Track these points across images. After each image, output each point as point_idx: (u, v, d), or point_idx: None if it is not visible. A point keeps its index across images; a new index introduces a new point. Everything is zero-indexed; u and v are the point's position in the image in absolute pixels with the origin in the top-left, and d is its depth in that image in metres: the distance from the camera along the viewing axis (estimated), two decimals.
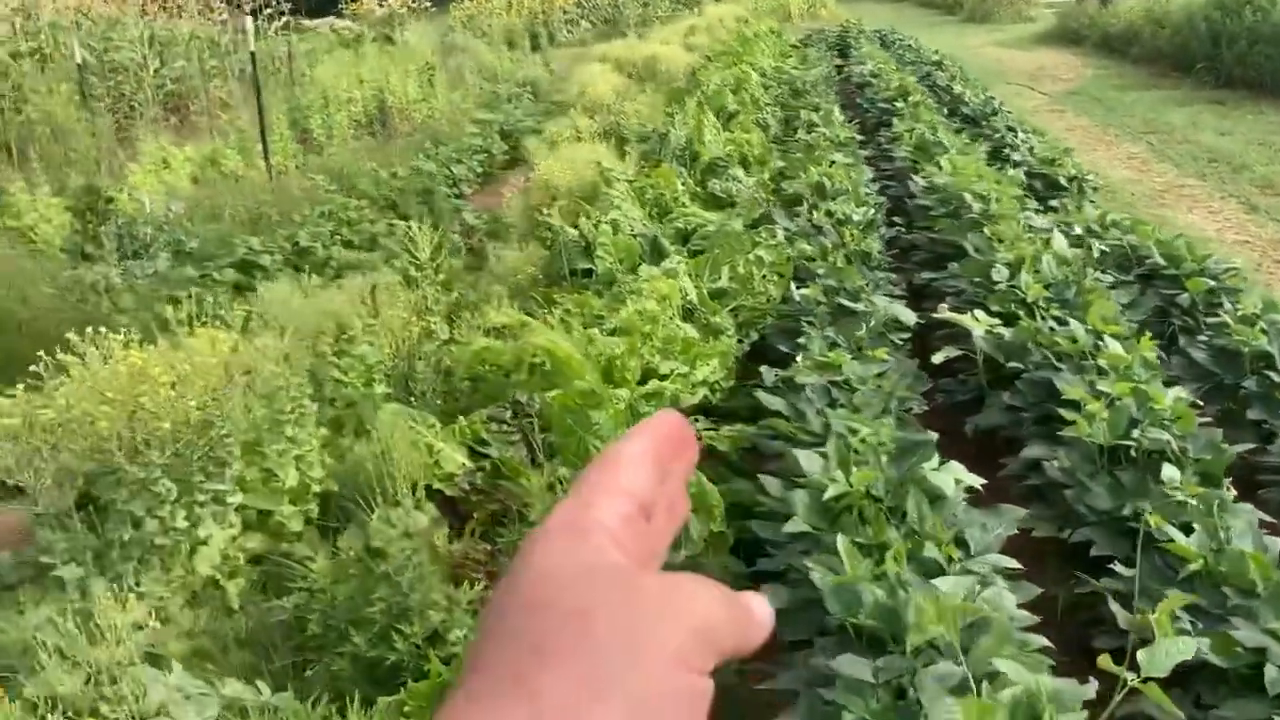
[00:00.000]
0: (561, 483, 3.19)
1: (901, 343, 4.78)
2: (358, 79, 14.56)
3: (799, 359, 4.27)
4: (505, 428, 3.66)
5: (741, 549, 3.58)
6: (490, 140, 12.73)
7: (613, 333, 4.56)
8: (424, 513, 3.04)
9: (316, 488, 3.76)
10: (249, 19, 10.57)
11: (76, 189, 7.72)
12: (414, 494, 3.12)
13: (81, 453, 2.99)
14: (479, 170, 11.88)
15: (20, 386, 3.27)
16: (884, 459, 3.25)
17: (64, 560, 3.04)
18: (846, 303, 4.94)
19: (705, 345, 4.69)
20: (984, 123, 10.48)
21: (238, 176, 10.97)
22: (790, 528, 3.01)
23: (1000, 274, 4.87)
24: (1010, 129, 9.69)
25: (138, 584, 3.14)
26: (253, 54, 10.63)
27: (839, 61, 18.34)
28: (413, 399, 4.72)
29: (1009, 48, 23.79)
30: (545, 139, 9.24)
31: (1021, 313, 4.48)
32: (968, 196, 5.88)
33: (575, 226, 5.40)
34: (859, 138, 9.71)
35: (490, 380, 4.15)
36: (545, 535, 0.49)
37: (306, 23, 20.20)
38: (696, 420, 4.74)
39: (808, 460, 3.19)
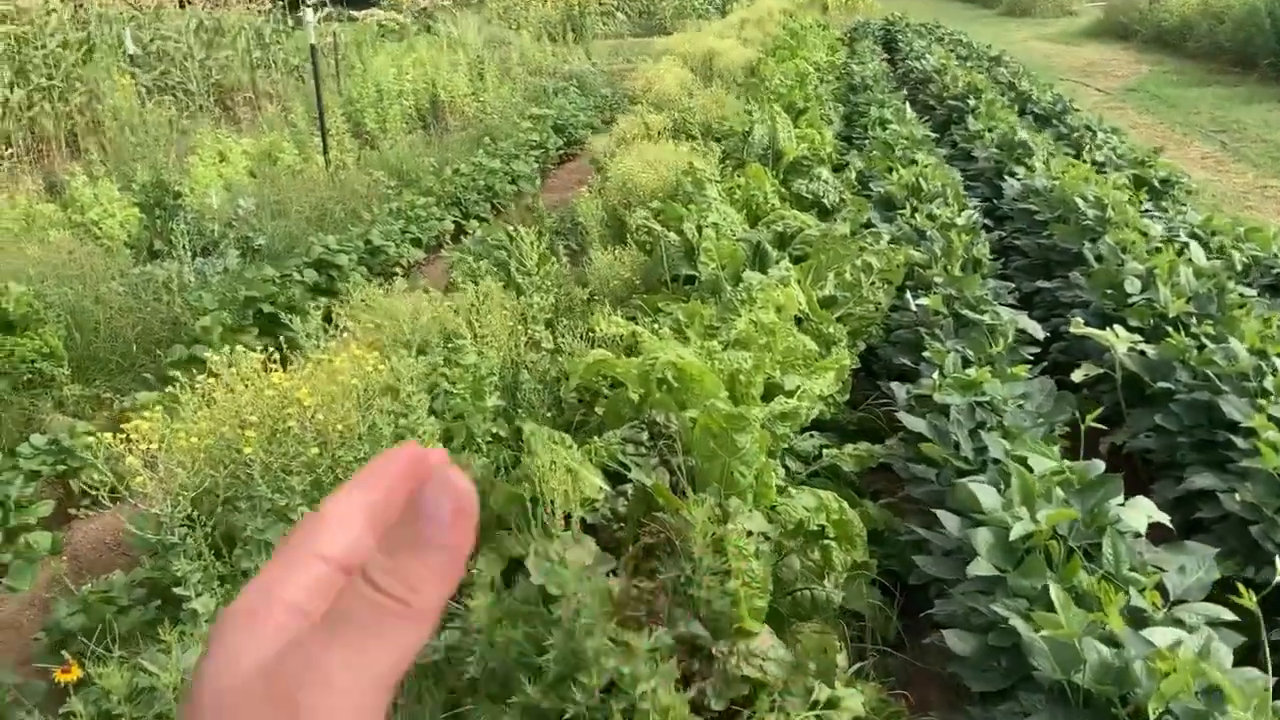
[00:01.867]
0: (724, 513, 2.99)
1: (1032, 358, 4.56)
2: (408, 72, 14.39)
3: (935, 376, 4.05)
4: (642, 450, 3.47)
5: (900, 585, 3.39)
6: (546, 135, 12.55)
7: (729, 345, 4.37)
8: (582, 545, 2.85)
9: None
10: (310, 10, 10.38)
11: (146, 184, 7.57)
12: (567, 523, 2.94)
13: (222, 478, 2.82)
14: (536, 166, 11.70)
15: (154, 405, 3.10)
16: (1060, 493, 3.04)
17: (197, 592, 2.87)
18: (969, 314, 4.72)
19: (827, 358, 4.48)
20: (1056, 121, 10.20)
21: (295, 171, 10.81)
22: (976, 570, 2.80)
23: (1133, 285, 4.63)
24: (1088, 128, 9.42)
25: None
26: (313, 46, 10.45)
27: (885, 56, 18.06)
28: (519, 412, 4.54)
29: (1055, 43, 23.37)
30: (615, 136, 9.02)
31: (1167, 328, 4.25)
32: (1079, 201, 5.64)
33: (675, 229, 5.19)
34: (932, 136, 9.47)
35: (613, 397, 3.95)
36: (227, 622, 0.49)
37: (354, 14, 20.04)
38: (811, 436, 4.54)
39: (985, 495, 2.98)
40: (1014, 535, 2.81)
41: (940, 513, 3.10)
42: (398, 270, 8.33)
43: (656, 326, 4.60)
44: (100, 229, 8.25)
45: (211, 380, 3.06)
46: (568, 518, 3.17)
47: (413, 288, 5.62)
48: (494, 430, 4.32)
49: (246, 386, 2.90)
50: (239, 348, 3.25)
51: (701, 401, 3.68)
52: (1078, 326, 4.38)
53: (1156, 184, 7.46)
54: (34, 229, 8.21)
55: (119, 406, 5.54)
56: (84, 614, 3.41)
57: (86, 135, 11.66)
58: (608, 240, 6.43)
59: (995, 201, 7.44)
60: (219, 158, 10.71)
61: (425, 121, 14.28)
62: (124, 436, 2.75)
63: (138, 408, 5.44)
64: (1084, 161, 7.76)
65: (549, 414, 4.46)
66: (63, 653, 3.08)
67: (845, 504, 3.63)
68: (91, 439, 5.07)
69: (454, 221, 9.35)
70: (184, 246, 7.13)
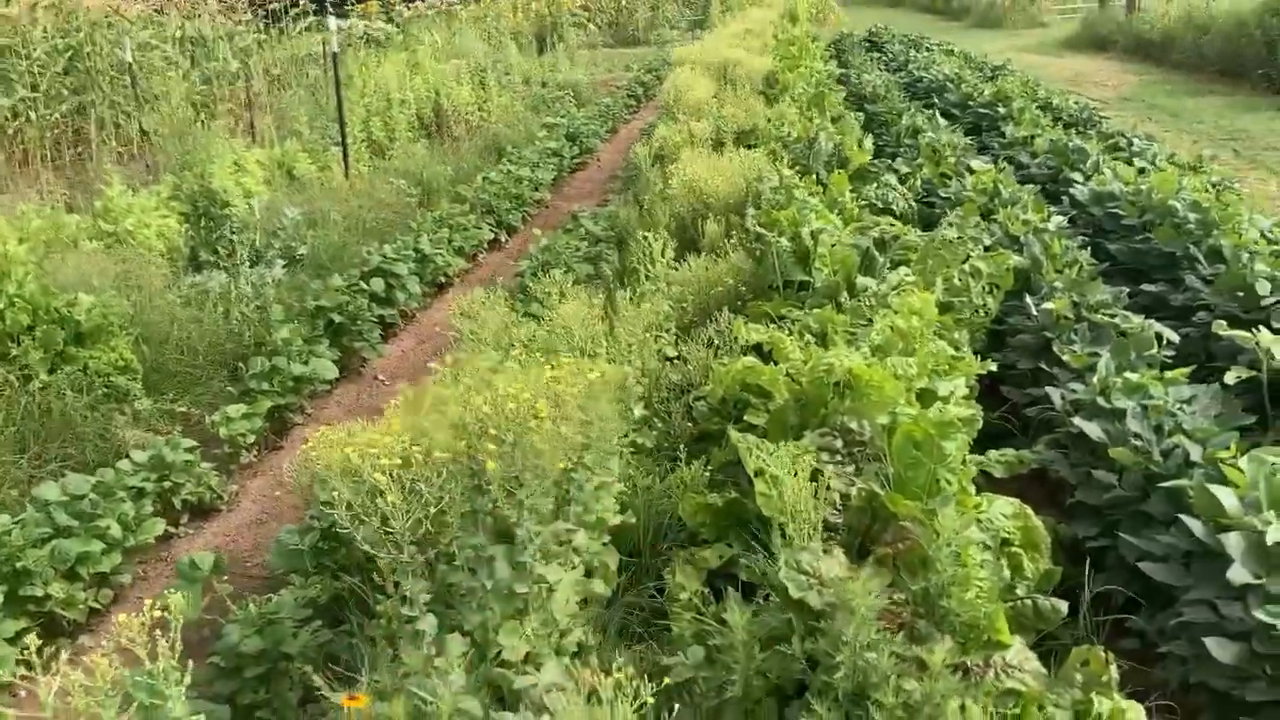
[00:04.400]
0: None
1: (1169, 361, 4.53)
2: (411, 80, 14.21)
3: (1094, 380, 4.00)
4: (838, 457, 3.37)
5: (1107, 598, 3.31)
6: (561, 144, 12.44)
7: (874, 351, 4.28)
8: (832, 556, 2.75)
9: (615, 520, 3.46)
10: (334, 19, 10.19)
11: (194, 193, 7.34)
12: (808, 534, 2.83)
13: (457, 493, 2.67)
14: (553, 174, 11.59)
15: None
16: None
17: (422, 611, 2.73)
18: (1097, 318, 4.68)
19: (963, 363, 4.42)
20: (1084, 128, 10.28)
21: (314, 181, 10.60)
22: (1236, 576, 2.74)
23: (1264, 288, 4.62)
24: (1122, 134, 9.49)
25: (495, 633, 2.83)
26: (334, 55, 10.26)
27: (881, 67, 18.15)
28: (659, 420, 4.42)
29: (1035, 53, 23.65)
30: (653, 145, 8.92)
31: None
32: (1177, 205, 5.64)
33: (790, 236, 5.10)
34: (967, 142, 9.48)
35: (779, 407, 3.85)
36: None
37: (334, 22, 19.73)
38: None
39: (1226, 498, 2.91)
40: (1271, 540, 2.75)
41: (1185, 519, 3.03)
42: (443, 279, 8.19)
43: (788, 334, 4.50)
44: (135, 239, 8.00)
45: (444, 391, 2.90)
46: (781, 527, 3.06)
47: (489, 298, 5.46)
48: (637, 440, 4.20)
49: (478, 395, 2.75)
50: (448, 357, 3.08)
51: (882, 409, 3.59)
52: (1220, 329, 4.36)
53: (1212, 189, 7.50)
54: (63, 239, 7.94)
55: (208, 420, 5.34)
56: (259, 636, 3.24)
57: (115, 143, 11.33)
58: (684, 248, 6.32)
59: (1052, 208, 7.45)
60: (235, 167, 10.48)
61: (429, 130, 14.09)
62: (352, 450, 2.60)
63: (227, 420, 5.26)
64: (1131, 167, 7.80)
65: (690, 425, 4.34)
66: (298, 675, 2.89)
67: (1029, 511, 3.56)
68: (191, 455, 4.89)
69: (490, 230, 9.20)
70: (241, 257, 6.92)
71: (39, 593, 3.73)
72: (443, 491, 2.60)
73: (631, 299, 4.46)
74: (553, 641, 2.89)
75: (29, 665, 2.33)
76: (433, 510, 2.60)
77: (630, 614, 3.42)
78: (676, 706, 2.64)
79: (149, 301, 6.46)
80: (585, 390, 2.97)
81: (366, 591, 3.43)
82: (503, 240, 9.58)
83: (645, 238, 4.87)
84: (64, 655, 2.40)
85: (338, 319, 6.29)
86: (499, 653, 2.77)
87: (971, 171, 7.60)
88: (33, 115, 12.52)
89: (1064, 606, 3.12)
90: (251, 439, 5.33)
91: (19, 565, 3.73)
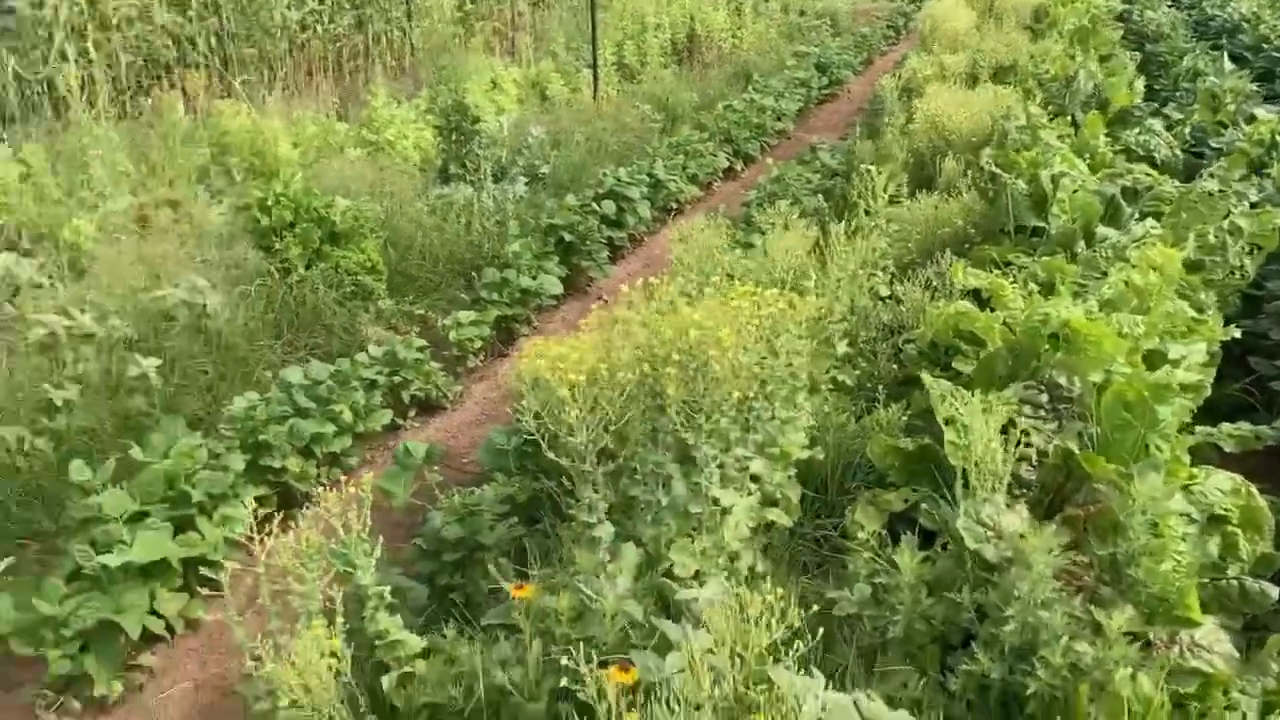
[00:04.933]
0: None
1: None
2: (666, 6, 14.26)
3: None
4: (1041, 412, 3.23)
5: None
6: (809, 74, 12.21)
7: (1103, 306, 4.04)
8: (1015, 511, 2.66)
9: (802, 454, 3.47)
10: None
11: (447, 107, 7.71)
12: (992, 486, 2.75)
13: (638, 413, 2.77)
14: (798, 105, 11.40)
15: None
16: None
17: (600, 518, 2.84)
18: None
19: (1203, 327, 4.10)
20: None
21: (563, 102, 10.89)
22: None
23: None
24: None
25: (667, 548, 2.92)
26: None
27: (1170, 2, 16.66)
28: (863, 360, 4.36)
29: None
30: (902, 77, 8.62)
31: None
32: None
33: (1028, 178, 4.85)
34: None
35: (987, 355, 3.71)
36: None
37: None
38: None
39: None
40: None
41: None
42: (674, 206, 8.27)
43: (1011, 281, 4.30)
44: (394, 148, 8.51)
45: (627, 313, 2.98)
46: (965, 477, 2.98)
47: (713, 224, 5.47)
48: (837, 377, 4.16)
49: (664, 319, 2.81)
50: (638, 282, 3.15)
51: (1098, 365, 3.40)
52: None
53: None
54: (331, 145, 8.55)
55: (441, 324, 5.67)
56: (459, 524, 3.47)
57: (388, 57, 12.02)
58: (917, 185, 6.12)
59: None
60: (491, 85, 10.90)
61: (680, 56, 14.13)
62: (544, 362, 2.71)
63: (457, 325, 5.57)
64: None
65: (894, 368, 4.26)
66: (496, 566, 3.09)
67: (1253, 490, 3.30)
68: (421, 354, 5.22)
69: (727, 159, 9.19)
70: (486, 172, 7.25)
71: (276, 464, 4.12)
72: (625, 409, 2.69)
73: (847, 234, 4.37)
74: (721, 563, 2.95)
75: (255, 527, 2.62)
76: (614, 426, 2.70)
77: (808, 547, 3.44)
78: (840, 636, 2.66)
79: (399, 209, 6.89)
80: (773, 323, 2.97)
81: (559, 495, 3.61)
82: (738, 169, 9.55)
83: (868, 171, 4.74)
84: (286, 521, 2.67)
85: (569, 238, 6.49)
86: (670, 566, 2.86)
87: (1252, 120, 6.93)
88: (319, 28, 13.44)
89: (1275, 592, 2.89)
90: (479, 345, 5.63)
91: (260, 439, 4.13)
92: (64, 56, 8.38)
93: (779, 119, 10.65)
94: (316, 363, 4.77)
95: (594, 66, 10.92)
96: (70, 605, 3.22)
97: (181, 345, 5.15)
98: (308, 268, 5.86)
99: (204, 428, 4.46)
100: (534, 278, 6.03)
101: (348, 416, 4.48)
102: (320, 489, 2.69)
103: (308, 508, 4.40)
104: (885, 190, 4.67)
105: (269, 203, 5.85)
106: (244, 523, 3.83)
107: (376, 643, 2.61)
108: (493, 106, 10.02)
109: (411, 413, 5.18)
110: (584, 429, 2.68)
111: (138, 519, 3.56)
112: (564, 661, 2.12)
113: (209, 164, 7.72)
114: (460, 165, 7.93)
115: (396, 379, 5.01)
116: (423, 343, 5.22)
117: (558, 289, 6.18)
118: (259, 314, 5.56)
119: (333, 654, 2.44)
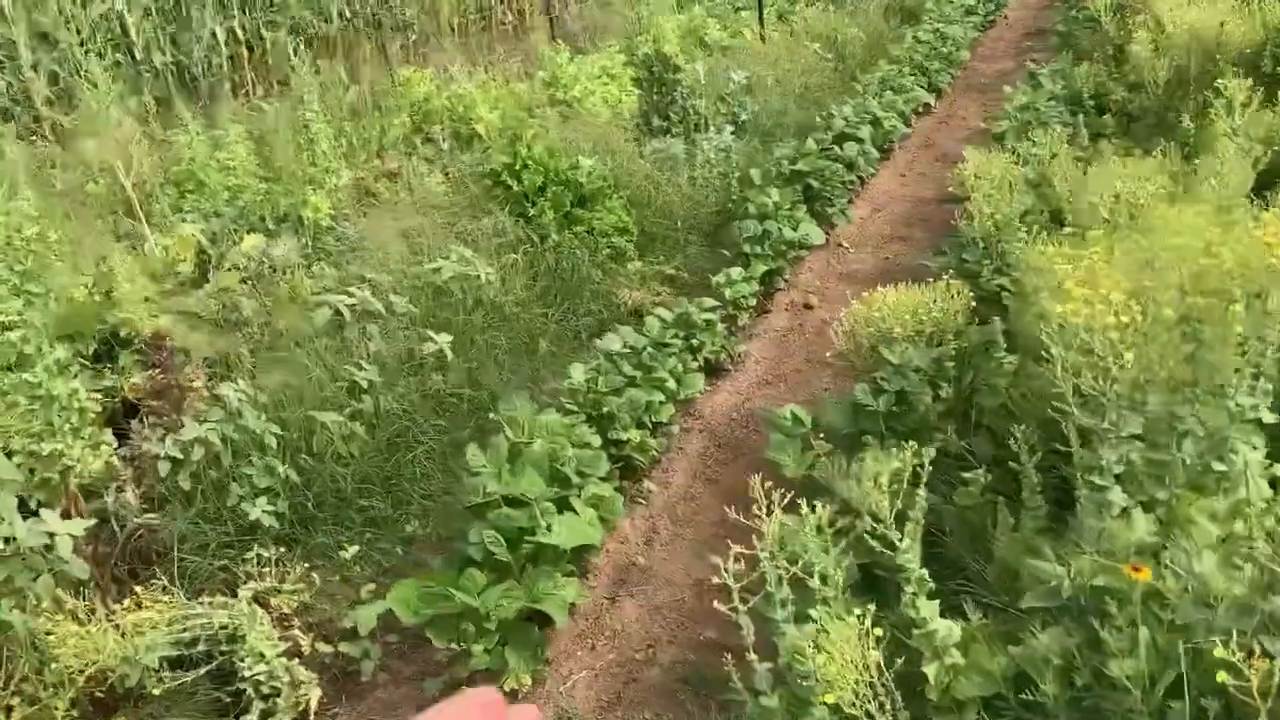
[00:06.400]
0: None
1: None
2: None
3: None
4: None
5: None
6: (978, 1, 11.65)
7: None
8: None
9: None
10: None
11: (647, 56, 7.42)
12: None
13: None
14: (975, 33, 10.88)
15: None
16: None
17: (1110, 483, 2.55)
18: None
19: None
20: None
21: (725, 47, 10.51)
22: None
23: None
24: None
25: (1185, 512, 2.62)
26: None
27: None
28: None
29: None
30: None
31: None
32: None
33: None
34: None
35: None
36: None
37: None
38: None
39: None
40: None
41: None
42: (888, 145, 7.89)
43: None
44: (583, 105, 8.23)
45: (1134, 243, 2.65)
46: None
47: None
48: None
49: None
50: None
51: None
52: None
53: None
54: (522, 108, 8.30)
55: (712, 281, 5.41)
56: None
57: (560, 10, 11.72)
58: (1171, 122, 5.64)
59: None
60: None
61: None
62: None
63: (730, 282, 5.31)
64: None
65: None
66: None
67: None
68: (711, 314, 4.97)
69: (925, 91, 8.75)
70: (690, 123, 6.95)
71: (622, 437, 3.92)
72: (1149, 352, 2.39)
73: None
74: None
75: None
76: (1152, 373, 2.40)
77: None
78: None
79: (622, 166, 6.63)
80: None
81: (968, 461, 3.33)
82: (931, 104, 9.10)
83: (1221, 85, 4.31)
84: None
85: (815, 184, 6.18)
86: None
87: None
88: None
89: None
90: (752, 301, 5.37)
91: (604, 410, 3.92)
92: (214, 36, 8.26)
93: (957, 48, 10.16)
94: (624, 328, 4.55)
95: (759, 7, 10.51)
96: (493, 596, 3.04)
97: (462, 319, 4.98)
98: (560, 232, 5.64)
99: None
100: (795, 228, 5.73)
101: (671, 384, 4.25)
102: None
103: (645, 481, 4.22)
104: (1246, 103, 4.24)
105: (517, 168, 5.64)
106: (617, 503, 3.65)
107: (914, 631, 2.36)
108: (683, 55, 9.69)
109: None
110: (1115, 380, 2.38)
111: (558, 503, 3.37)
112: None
113: (409, 133, 7.54)
114: (663, 118, 7.65)
115: (693, 342, 4.77)
116: (713, 302, 4.96)
117: (819, 238, 5.88)
118: (525, 283, 5.36)
119: (877, 640, 2.21)
